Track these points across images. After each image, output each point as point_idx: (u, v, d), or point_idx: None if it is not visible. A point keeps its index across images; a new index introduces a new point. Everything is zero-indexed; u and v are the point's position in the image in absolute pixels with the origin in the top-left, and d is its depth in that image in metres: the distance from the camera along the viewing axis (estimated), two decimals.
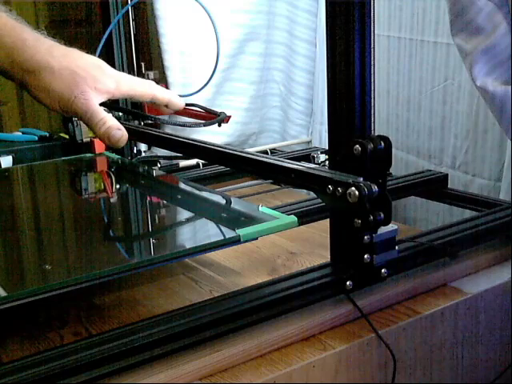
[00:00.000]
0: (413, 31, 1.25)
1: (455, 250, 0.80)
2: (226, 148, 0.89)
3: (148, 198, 0.96)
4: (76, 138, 1.13)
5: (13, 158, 1.11)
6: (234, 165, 0.91)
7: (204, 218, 0.81)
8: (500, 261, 0.84)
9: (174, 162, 1.24)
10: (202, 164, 1.19)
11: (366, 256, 0.67)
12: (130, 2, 1.20)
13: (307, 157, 1.27)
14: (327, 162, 1.17)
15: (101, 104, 1.14)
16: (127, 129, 1.14)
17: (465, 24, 0.85)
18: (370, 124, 0.67)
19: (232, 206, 0.82)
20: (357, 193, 0.62)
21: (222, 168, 1.14)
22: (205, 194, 0.88)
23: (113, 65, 1.22)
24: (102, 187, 1.03)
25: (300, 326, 0.66)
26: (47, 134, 1.22)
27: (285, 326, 0.65)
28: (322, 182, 0.67)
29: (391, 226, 0.68)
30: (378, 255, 0.68)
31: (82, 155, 1.13)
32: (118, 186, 1.02)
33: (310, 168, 0.72)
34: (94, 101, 0.80)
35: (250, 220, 0.73)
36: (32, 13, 1.43)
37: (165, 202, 0.91)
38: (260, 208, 0.76)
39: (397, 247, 0.70)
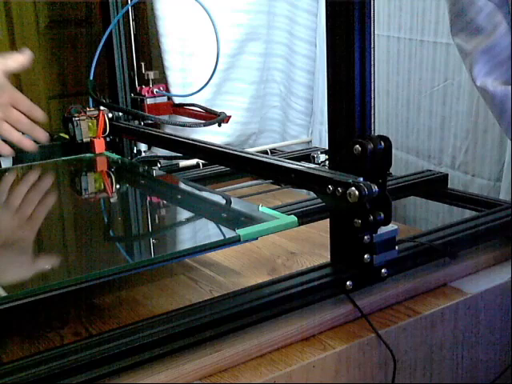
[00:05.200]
0: (412, 31, 1.25)
1: (455, 250, 0.80)
2: (226, 148, 0.89)
3: (148, 198, 0.96)
4: (76, 138, 1.13)
5: (13, 158, 1.11)
6: (234, 165, 0.91)
7: (204, 218, 0.81)
8: (500, 261, 0.84)
9: (174, 162, 1.24)
10: (202, 164, 1.19)
11: (366, 256, 0.67)
12: (129, 2, 1.20)
13: (307, 157, 1.27)
14: (327, 162, 1.17)
15: (100, 103, 1.15)
16: (127, 129, 1.15)
17: (465, 24, 0.85)
18: (370, 124, 0.67)
19: (232, 206, 0.82)
20: (357, 193, 0.62)
21: (222, 168, 1.14)
22: (205, 193, 0.88)
23: (113, 65, 1.22)
24: (102, 187, 1.03)
25: (300, 326, 0.66)
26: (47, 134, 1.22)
27: (285, 326, 0.65)
28: (322, 182, 0.67)
29: (391, 226, 0.68)
30: (378, 255, 0.68)
31: (82, 155, 1.13)
32: (118, 186, 1.02)
33: (310, 168, 0.72)
34: None
35: (250, 220, 0.73)
36: (32, 13, 1.43)
37: (165, 201, 0.91)
38: (260, 208, 0.76)
39: (397, 247, 0.70)
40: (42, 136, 0.97)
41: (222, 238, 0.69)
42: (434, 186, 1.05)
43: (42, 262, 0.69)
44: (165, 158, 1.23)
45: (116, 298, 0.77)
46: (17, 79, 1.46)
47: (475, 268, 0.81)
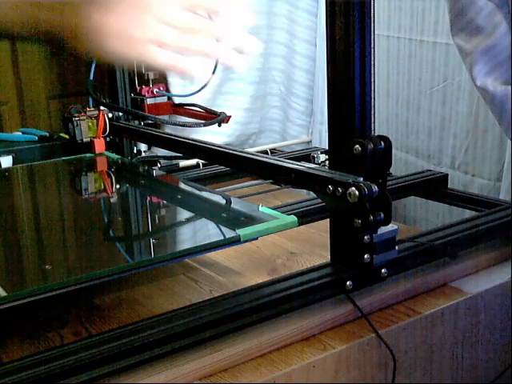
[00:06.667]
0: (412, 31, 1.25)
1: (455, 250, 0.80)
2: (226, 148, 0.89)
3: (148, 198, 0.96)
4: (76, 137, 1.13)
5: (13, 158, 1.11)
6: (234, 165, 0.91)
7: (204, 218, 0.81)
8: (500, 261, 0.84)
9: (174, 162, 1.24)
10: (202, 164, 1.19)
11: (366, 256, 0.67)
12: None
13: (307, 157, 1.27)
14: (327, 162, 1.17)
15: (100, 103, 1.15)
16: (127, 129, 1.15)
17: (465, 24, 0.85)
18: (370, 124, 0.67)
19: (232, 206, 0.82)
20: (357, 193, 0.62)
21: (222, 168, 1.14)
22: (205, 194, 0.88)
23: (113, 65, 1.22)
24: (102, 187, 1.03)
25: (300, 326, 0.66)
26: (47, 134, 1.22)
27: (285, 326, 0.65)
28: (322, 182, 0.67)
29: (391, 226, 0.68)
30: (378, 255, 0.68)
31: (82, 155, 1.13)
32: (118, 186, 1.02)
33: (310, 168, 0.72)
34: None
35: (250, 220, 0.73)
36: None
37: (165, 201, 0.91)
38: (260, 208, 0.76)
39: (397, 247, 0.70)
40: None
41: (222, 237, 0.69)
42: (433, 186, 1.05)
43: (43, 261, 0.69)
44: (165, 157, 1.23)
45: (116, 298, 0.77)
46: (17, 79, 1.47)
47: (475, 268, 0.81)
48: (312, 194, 0.88)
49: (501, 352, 0.81)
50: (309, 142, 1.52)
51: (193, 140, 0.96)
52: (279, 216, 0.73)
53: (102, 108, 1.14)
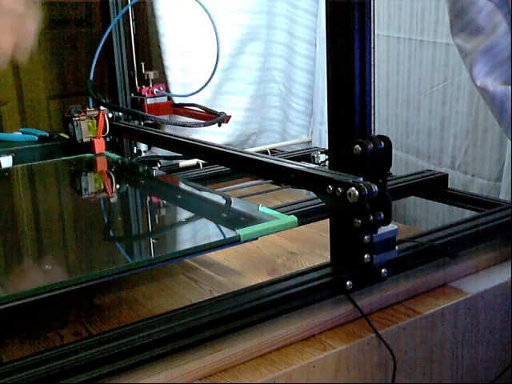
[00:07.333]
0: (412, 31, 1.25)
1: (455, 250, 0.80)
2: (226, 148, 0.89)
3: (148, 198, 0.96)
4: (76, 137, 1.13)
5: (13, 158, 1.11)
6: (234, 165, 0.91)
7: (204, 218, 0.81)
8: (500, 261, 0.84)
9: (174, 162, 1.24)
10: (202, 164, 1.19)
11: (366, 256, 0.67)
12: (129, 2, 1.20)
13: (307, 157, 1.27)
14: (327, 162, 1.17)
15: (100, 103, 1.15)
16: (127, 129, 1.15)
17: (465, 24, 0.85)
18: (370, 124, 0.67)
19: (232, 205, 0.82)
20: (357, 193, 0.62)
21: (222, 168, 1.14)
22: (205, 194, 0.88)
23: (113, 65, 1.22)
24: (102, 187, 1.03)
25: (300, 326, 0.66)
26: (47, 134, 1.22)
27: (285, 326, 0.65)
28: (322, 182, 0.67)
29: (391, 226, 0.68)
30: (378, 255, 0.68)
31: (82, 155, 1.13)
32: (118, 186, 1.02)
33: (310, 168, 0.72)
34: None
35: (250, 220, 0.73)
36: None
37: (165, 201, 0.91)
38: (260, 208, 0.76)
39: (397, 247, 0.70)
40: None
41: (222, 237, 0.69)
42: (433, 186, 1.05)
43: (43, 261, 0.69)
44: (165, 157, 1.23)
45: (116, 298, 0.77)
46: (17, 79, 1.47)
47: (475, 268, 0.81)
48: (312, 194, 0.88)
49: (501, 352, 0.81)
50: (309, 142, 1.52)
51: (193, 140, 0.96)
52: (279, 216, 0.73)
53: (102, 108, 1.14)
